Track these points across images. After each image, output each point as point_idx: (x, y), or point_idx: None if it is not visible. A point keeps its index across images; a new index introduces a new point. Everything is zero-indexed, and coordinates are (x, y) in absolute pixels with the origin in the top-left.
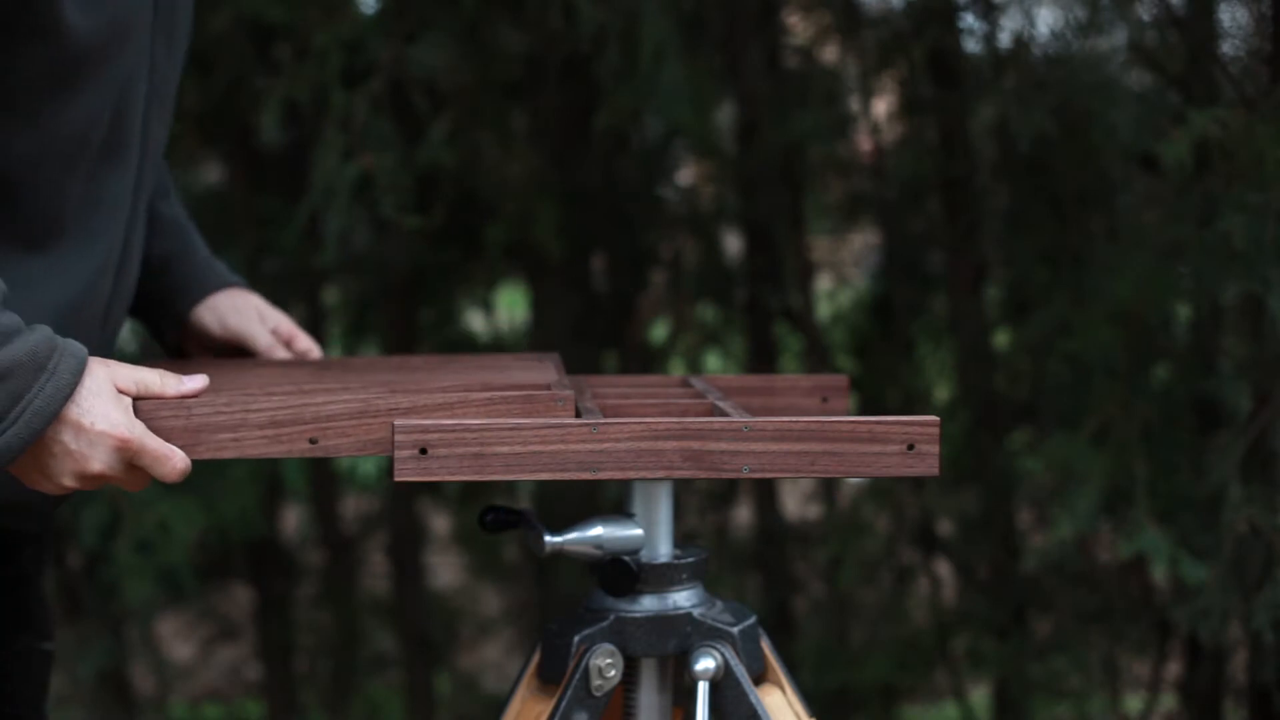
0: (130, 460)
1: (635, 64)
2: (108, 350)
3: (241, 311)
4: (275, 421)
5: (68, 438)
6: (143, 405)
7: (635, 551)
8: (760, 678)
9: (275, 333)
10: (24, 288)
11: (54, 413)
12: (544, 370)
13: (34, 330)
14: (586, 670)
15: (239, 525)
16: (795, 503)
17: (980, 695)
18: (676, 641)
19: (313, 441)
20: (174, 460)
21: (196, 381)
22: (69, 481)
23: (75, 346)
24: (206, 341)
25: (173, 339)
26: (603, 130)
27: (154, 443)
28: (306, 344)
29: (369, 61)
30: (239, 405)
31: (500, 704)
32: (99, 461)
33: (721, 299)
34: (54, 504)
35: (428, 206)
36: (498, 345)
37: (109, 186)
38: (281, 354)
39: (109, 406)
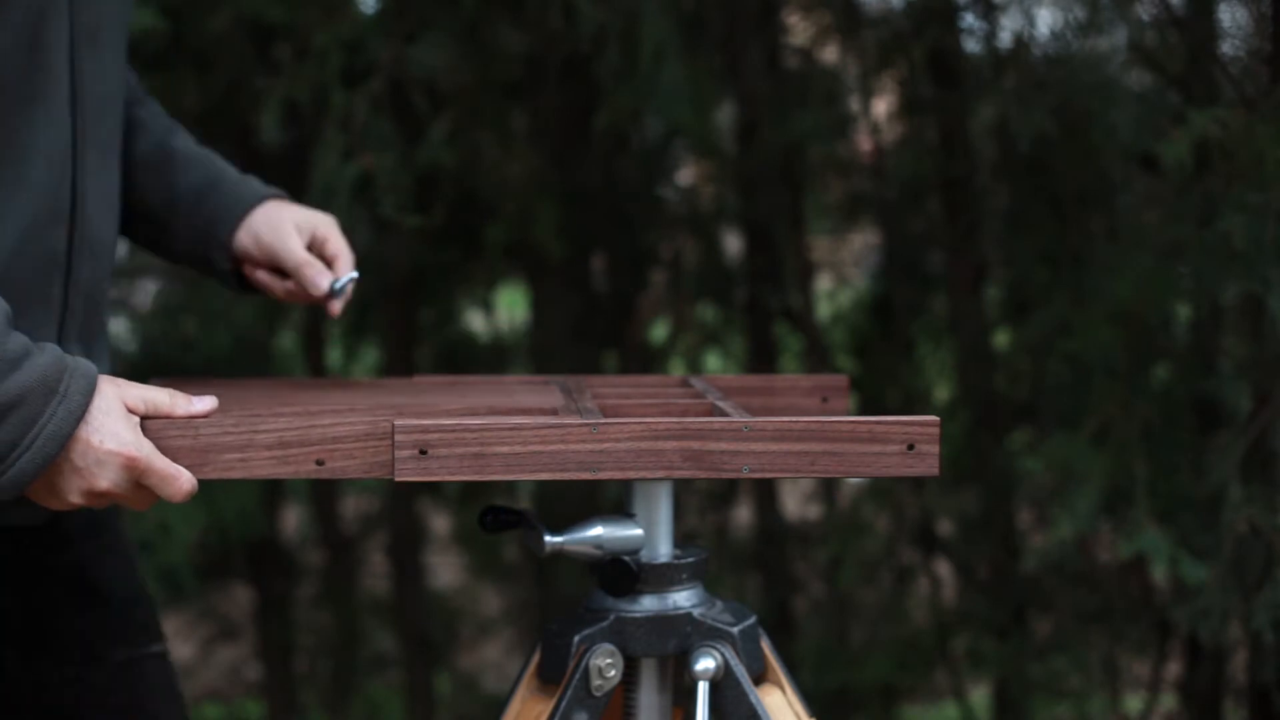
0: (137, 479)
1: (635, 64)
2: (86, 312)
3: (276, 227)
4: (282, 442)
5: (77, 455)
6: (150, 424)
7: (635, 551)
8: (760, 678)
9: (311, 242)
10: None
11: (67, 435)
12: (549, 394)
13: (43, 351)
14: (586, 670)
15: (239, 525)
16: (795, 503)
17: (980, 695)
18: (676, 641)
19: (319, 463)
20: (180, 481)
21: (205, 402)
22: (76, 499)
23: (84, 365)
24: (254, 264)
25: (230, 270)
26: (603, 130)
27: (161, 462)
28: (336, 247)
29: (369, 61)
30: (246, 426)
31: (500, 704)
32: (106, 480)
33: (721, 299)
34: None
35: (428, 206)
36: (498, 345)
37: (37, 135)
38: (312, 272)
39: (118, 425)
